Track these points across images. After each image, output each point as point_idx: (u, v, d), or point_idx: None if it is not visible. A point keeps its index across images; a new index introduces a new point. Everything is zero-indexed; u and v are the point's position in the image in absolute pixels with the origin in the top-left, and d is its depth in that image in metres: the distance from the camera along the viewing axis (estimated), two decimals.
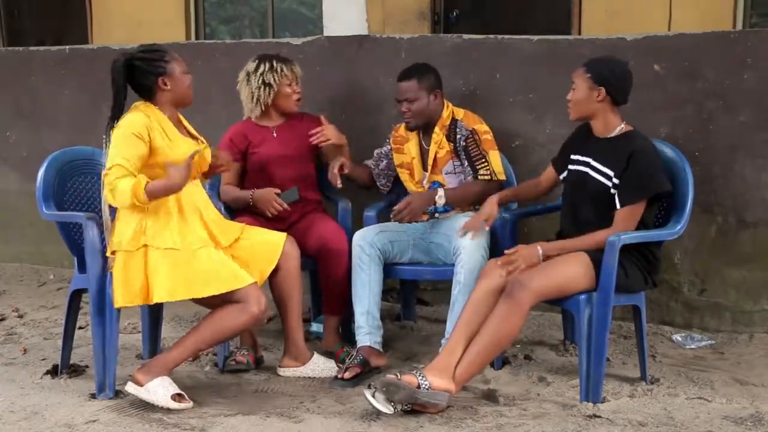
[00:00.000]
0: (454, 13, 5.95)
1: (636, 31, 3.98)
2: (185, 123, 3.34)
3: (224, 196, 3.78)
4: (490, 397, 3.16)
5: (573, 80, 3.21)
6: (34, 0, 7.12)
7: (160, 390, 3.01)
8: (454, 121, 3.63)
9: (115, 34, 6.39)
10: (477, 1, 6.10)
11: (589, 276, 3.06)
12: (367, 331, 3.43)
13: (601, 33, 4.30)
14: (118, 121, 3.12)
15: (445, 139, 3.62)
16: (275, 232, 3.42)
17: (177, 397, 3.02)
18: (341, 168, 3.63)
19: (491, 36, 4.11)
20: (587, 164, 3.22)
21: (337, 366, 3.43)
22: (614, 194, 3.13)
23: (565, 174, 3.36)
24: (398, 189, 3.93)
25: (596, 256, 3.07)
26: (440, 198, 3.53)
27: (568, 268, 3.06)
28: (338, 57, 4.33)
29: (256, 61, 3.82)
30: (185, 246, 3.07)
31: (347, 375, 3.28)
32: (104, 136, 3.16)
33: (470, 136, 3.58)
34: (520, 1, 6.00)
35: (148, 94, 3.20)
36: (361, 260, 3.47)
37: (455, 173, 3.63)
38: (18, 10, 7.11)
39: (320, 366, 3.41)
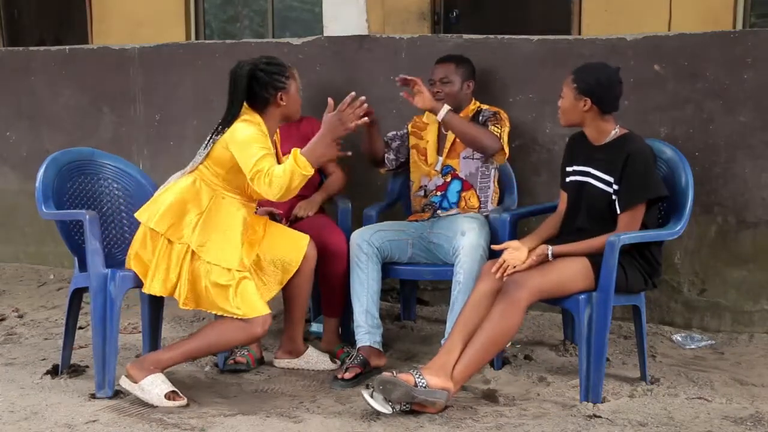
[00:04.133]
0: (454, 13, 5.95)
1: (636, 31, 3.98)
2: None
3: None
4: (490, 397, 3.16)
5: (563, 86, 3.20)
6: (34, 0, 7.12)
7: (154, 389, 3.03)
8: (477, 111, 3.72)
9: (115, 34, 6.39)
10: (477, 1, 6.10)
11: (588, 276, 3.06)
12: (367, 330, 3.42)
13: (601, 33, 4.30)
14: (228, 127, 3.11)
15: None
16: (298, 233, 3.41)
17: (171, 395, 3.04)
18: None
19: (491, 36, 4.11)
20: (587, 173, 3.21)
21: (336, 364, 3.45)
22: (615, 200, 3.13)
23: (566, 185, 3.34)
24: (399, 184, 3.94)
25: (595, 257, 3.06)
26: (444, 109, 3.51)
27: (566, 268, 3.06)
28: (338, 57, 4.33)
29: None
30: (227, 261, 3.07)
31: (347, 375, 3.27)
32: (209, 139, 3.15)
33: (493, 115, 3.67)
34: (520, 1, 6.00)
35: (261, 105, 3.19)
36: (359, 259, 3.47)
37: (473, 158, 3.66)
38: (18, 10, 7.11)
39: (314, 359, 3.45)
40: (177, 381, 3.27)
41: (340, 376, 3.29)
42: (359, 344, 3.42)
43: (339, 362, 3.51)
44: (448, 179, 3.69)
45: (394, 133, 3.88)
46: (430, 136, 3.76)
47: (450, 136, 3.68)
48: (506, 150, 3.63)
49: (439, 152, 3.74)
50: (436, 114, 3.56)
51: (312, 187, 3.91)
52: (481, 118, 3.69)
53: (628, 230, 3.08)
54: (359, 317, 3.44)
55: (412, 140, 3.83)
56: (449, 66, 3.70)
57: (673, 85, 3.81)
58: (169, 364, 3.11)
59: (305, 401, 3.12)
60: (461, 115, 3.70)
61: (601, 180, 3.16)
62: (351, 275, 3.50)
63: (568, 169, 3.30)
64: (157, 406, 3.02)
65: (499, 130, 3.61)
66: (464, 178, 3.68)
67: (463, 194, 3.68)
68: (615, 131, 3.18)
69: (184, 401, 3.04)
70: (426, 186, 3.75)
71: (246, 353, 3.47)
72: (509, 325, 2.99)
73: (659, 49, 3.84)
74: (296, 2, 6.71)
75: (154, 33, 5.89)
